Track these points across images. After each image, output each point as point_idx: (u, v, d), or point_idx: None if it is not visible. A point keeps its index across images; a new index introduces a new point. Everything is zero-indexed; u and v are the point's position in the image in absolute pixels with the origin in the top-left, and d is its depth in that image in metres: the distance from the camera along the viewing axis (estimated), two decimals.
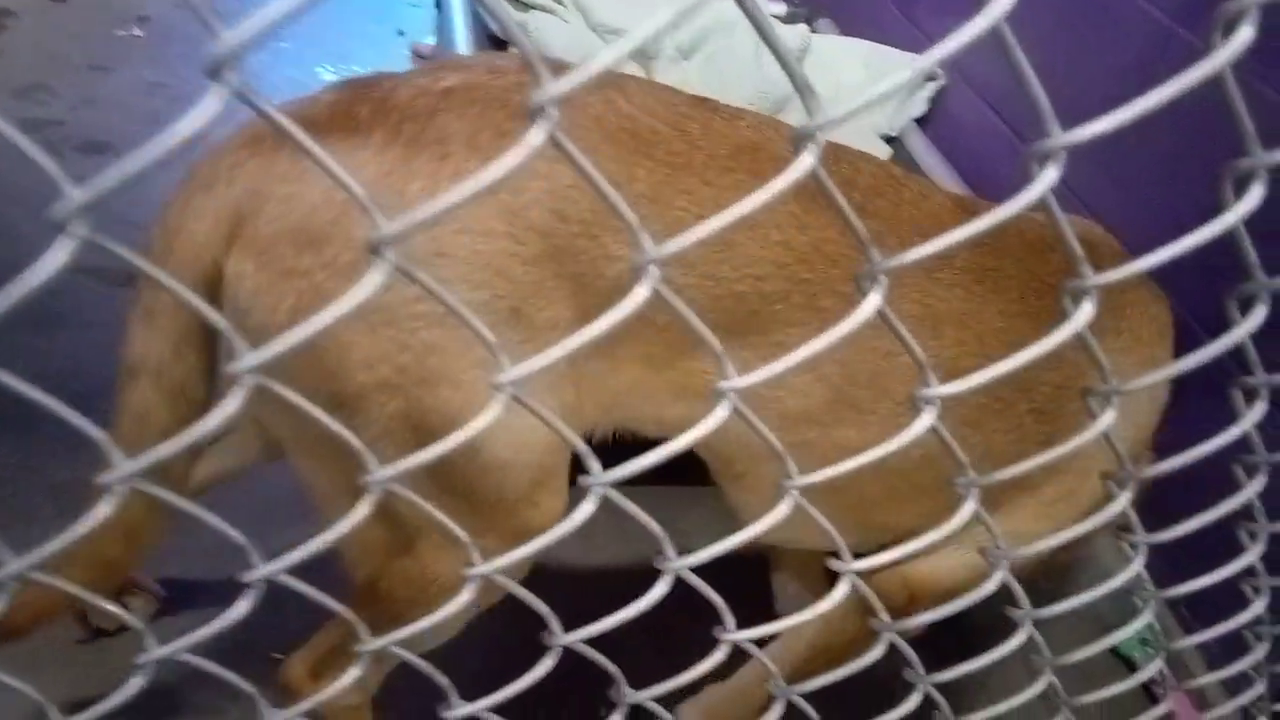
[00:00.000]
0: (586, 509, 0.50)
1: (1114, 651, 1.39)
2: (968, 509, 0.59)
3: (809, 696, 0.68)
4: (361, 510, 0.48)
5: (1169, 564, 1.02)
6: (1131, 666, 1.38)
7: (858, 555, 0.61)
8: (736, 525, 0.57)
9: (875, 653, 0.66)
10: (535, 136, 0.36)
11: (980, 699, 0.77)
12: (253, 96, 0.34)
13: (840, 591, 0.61)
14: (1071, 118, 0.41)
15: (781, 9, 2.41)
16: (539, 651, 0.60)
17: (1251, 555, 0.66)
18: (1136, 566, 0.64)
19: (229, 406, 0.39)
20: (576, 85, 0.35)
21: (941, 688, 0.70)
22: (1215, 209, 0.46)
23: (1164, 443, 1.09)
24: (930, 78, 2.04)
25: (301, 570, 0.50)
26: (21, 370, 0.34)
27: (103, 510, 0.39)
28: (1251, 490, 0.60)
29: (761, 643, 0.65)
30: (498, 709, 0.62)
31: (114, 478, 0.38)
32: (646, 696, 0.65)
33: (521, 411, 0.47)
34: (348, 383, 0.76)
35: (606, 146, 0.81)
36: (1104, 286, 0.47)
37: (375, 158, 0.75)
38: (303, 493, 0.89)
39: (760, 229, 0.85)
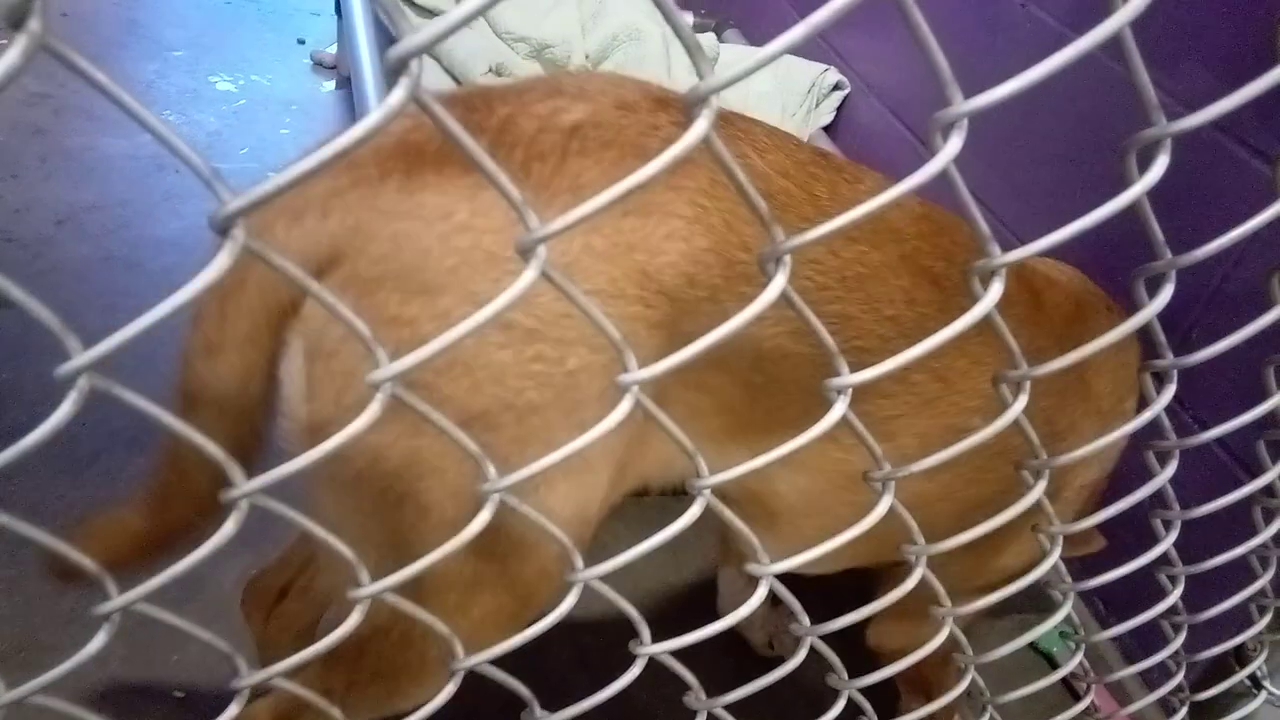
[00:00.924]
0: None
1: (1033, 648, 1.41)
2: (916, 574, 0.59)
3: (733, 707, 0.65)
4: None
5: (1083, 563, 1.03)
6: (1052, 662, 1.39)
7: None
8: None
9: (798, 658, 0.64)
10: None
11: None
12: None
13: (759, 594, 0.60)
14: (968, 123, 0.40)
15: (690, 19, 2.41)
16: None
17: (1166, 543, 0.65)
18: (1053, 559, 0.63)
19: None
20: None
21: (866, 691, 0.68)
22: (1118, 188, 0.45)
23: None
24: (837, 87, 2.07)
25: None
26: None
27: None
28: (1164, 477, 0.59)
29: None
30: None
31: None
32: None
33: (573, 483, 0.47)
34: (430, 441, 0.69)
35: (742, 209, 0.76)
36: (1012, 264, 0.46)
37: (499, 202, 0.68)
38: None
39: (875, 304, 0.82)
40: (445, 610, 0.77)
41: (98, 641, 0.47)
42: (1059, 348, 0.99)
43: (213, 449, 0.43)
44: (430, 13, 1.96)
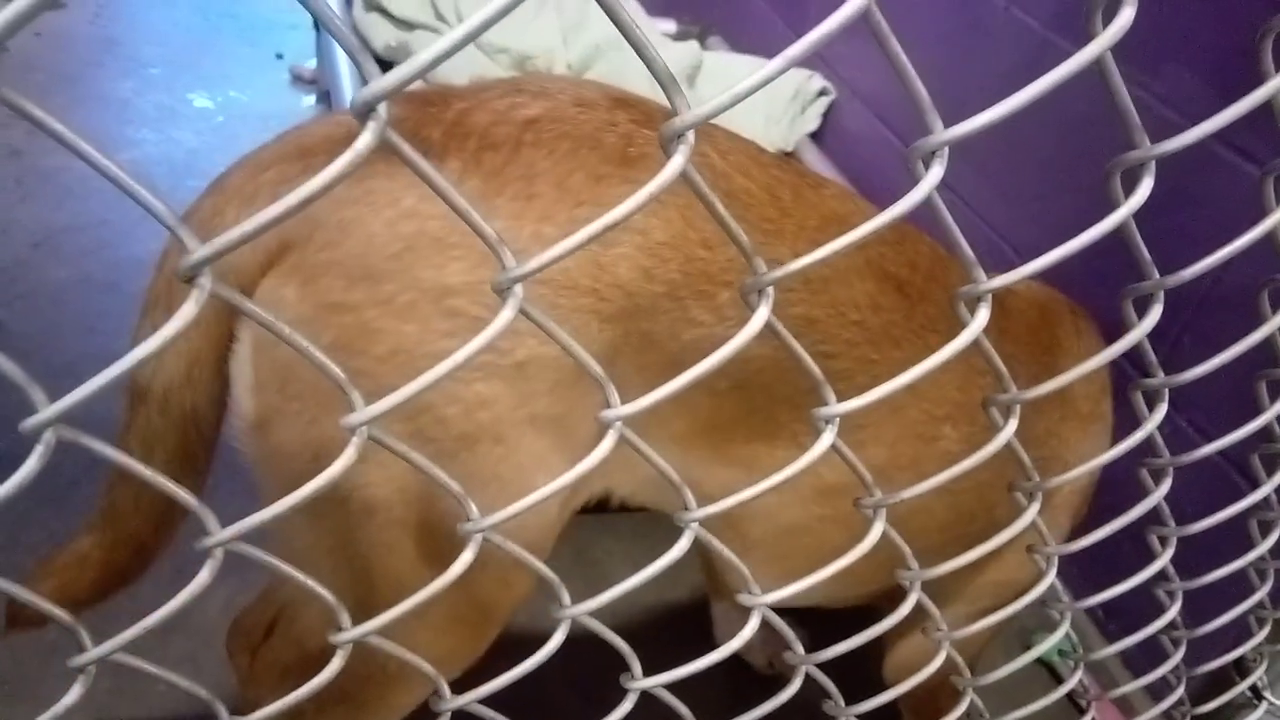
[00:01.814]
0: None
1: (1037, 660, 1.40)
2: (876, 529, 0.57)
3: None
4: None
5: (1084, 574, 1.02)
6: (1052, 671, 1.38)
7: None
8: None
9: (794, 686, 0.63)
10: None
11: None
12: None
13: (751, 625, 0.59)
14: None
15: (672, 27, 2.41)
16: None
17: (1163, 560, 0.64)
18: (1049, 579, 0.62)
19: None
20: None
21: (863, 717, 0.67)
22: (1104, 211, 0.45)
23: None
24: (822, 93, 2.06)
25: None
26: None
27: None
28: (1159, 494, 0.58)
29: None
30: None
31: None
32: None
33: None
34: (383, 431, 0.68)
35: (699, 205, 0.76)
36: (998, 290, 0.45)
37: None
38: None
39: (840, 308, 0.81)
40: (407, 615, 0.76)
41: (73, 694, 0.46)
42: (1028, 355, 0.99)
43: (181, 494, 0.42)
44: (406, 24, 1.94)
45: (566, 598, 0.56)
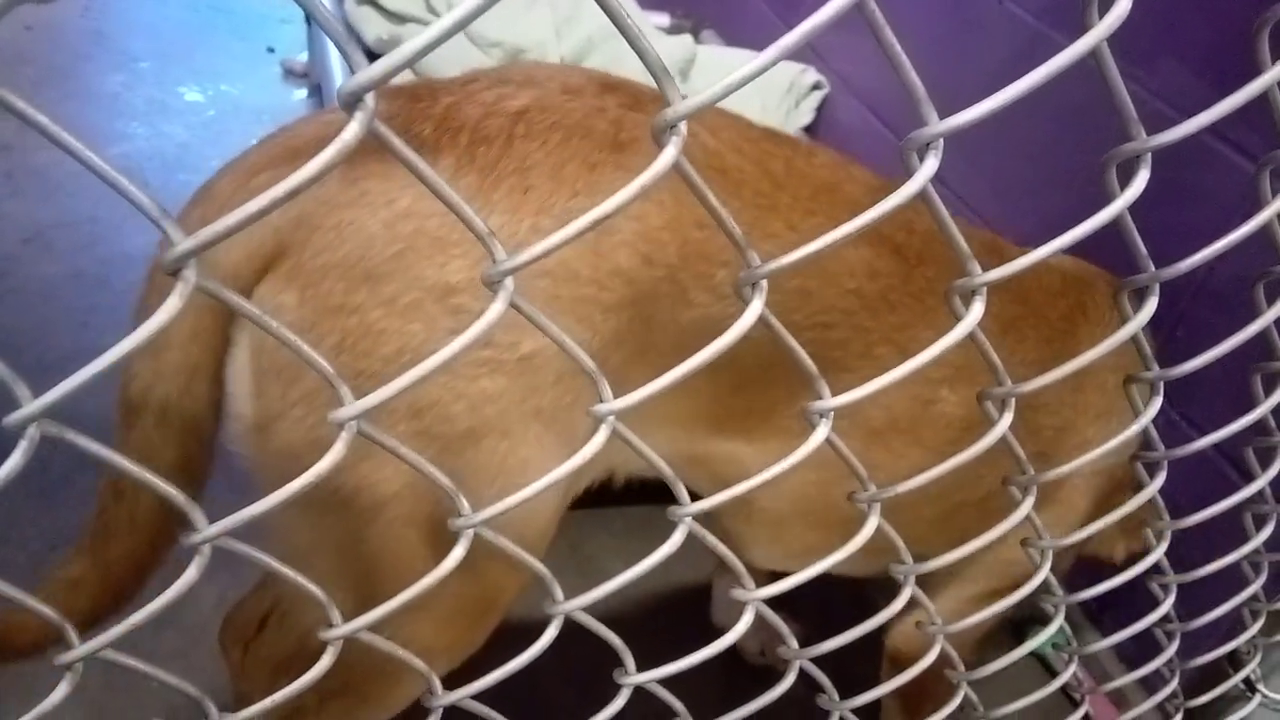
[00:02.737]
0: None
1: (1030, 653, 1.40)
2: (871, 523, 0.57)
3: None
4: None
5: (1079, 566, 1.02)
6: (1045, 664, 1.39)
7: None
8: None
9: (788, 681, 0.63)
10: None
11: None
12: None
13: (746, 620, 0.58)
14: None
15: (665, 20, 2.40)
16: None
17: (1157, 554, 0.64)
18: (1043, 572, 0.62)
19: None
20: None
21: (857, 711, 0.67)
22: (1097, 204, 0.44)
23: None
24: (816, 87, 2.05)
25: None
26: None
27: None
28: (1153, 488, 0.58)
29: None
30: None
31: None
32: None
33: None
34: (385, 430, 0.68)
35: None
36: (995, 283, 0.45)
37: (448, 185, 0.67)
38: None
39: (836, 277, 0.81)
40: (411, 607, 0.76)
41: (60, 691, 0.46)
42: (1041, 319, 0.97)
43: (167, 489, 0.42)
44: (399, 18, 1.93)
45: (560, 593, 0.56)
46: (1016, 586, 0.65)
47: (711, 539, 0.56)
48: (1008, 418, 0.51)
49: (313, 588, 0.50)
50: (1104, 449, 0.56)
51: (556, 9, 1.98)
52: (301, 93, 2.58)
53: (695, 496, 0.53)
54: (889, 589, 0.64)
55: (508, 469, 0.70)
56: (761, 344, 0.78)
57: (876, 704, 0.68)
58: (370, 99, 0.33)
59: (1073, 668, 0.72)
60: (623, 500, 1.21)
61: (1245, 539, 0.68)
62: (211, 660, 1.06)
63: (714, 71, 2.03)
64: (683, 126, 0.37)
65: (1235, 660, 0.74)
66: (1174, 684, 0.76)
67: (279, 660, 0.97)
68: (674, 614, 1.43)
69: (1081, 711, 0.75)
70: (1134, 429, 0.54)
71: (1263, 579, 0.71)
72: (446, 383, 0.68)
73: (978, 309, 0.45)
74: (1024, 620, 1.35)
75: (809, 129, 2.05)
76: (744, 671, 1.40)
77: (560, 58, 1.90)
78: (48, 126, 0.33)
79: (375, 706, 0.82)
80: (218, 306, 0.70)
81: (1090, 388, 0.96)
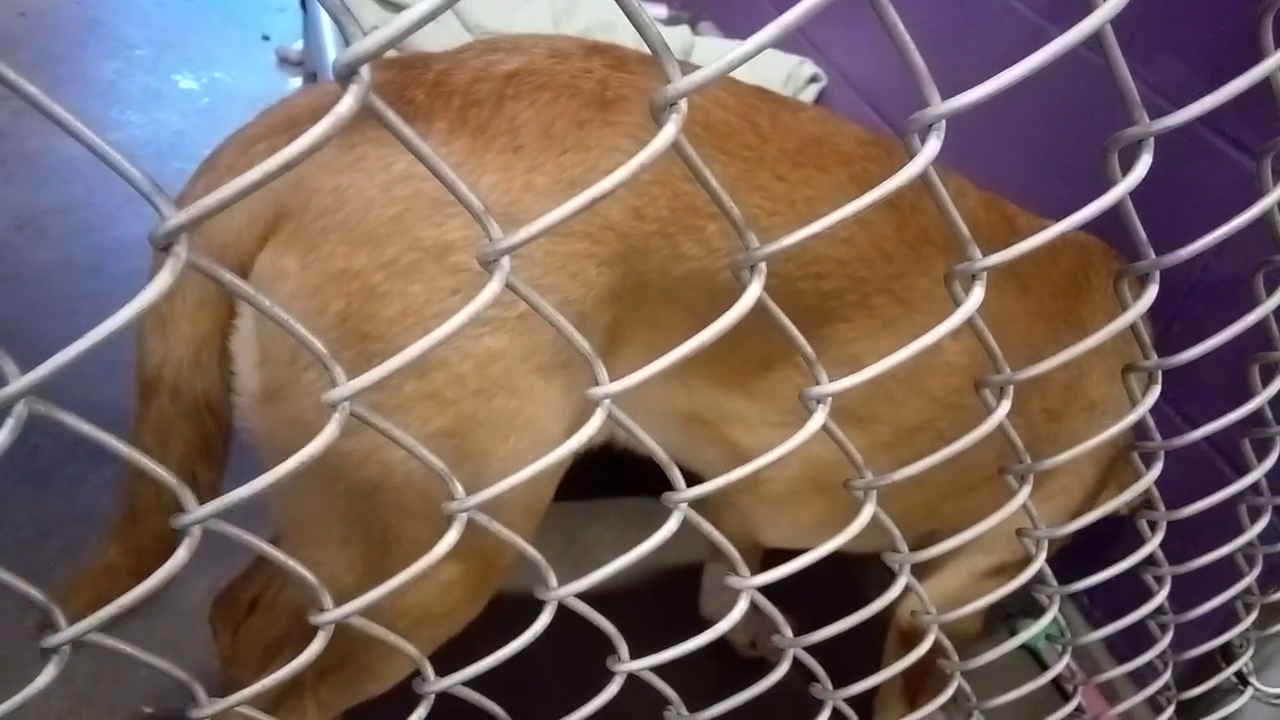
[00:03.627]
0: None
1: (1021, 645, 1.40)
2: (867, 511, 0.57)
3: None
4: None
5: (1072, 557, 1.02)
6: (1036, 657, 1.39)
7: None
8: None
9: (782, 669, 0.63)
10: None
11: None
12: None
13: (740, 607, 0.58)
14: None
15: (663, 11, 2.39)
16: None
17: (1153, 544, 0.64)
18: (1038, 563, 0.62)
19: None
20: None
21: (850, 701, 0.67)
22: (1097, 197, 0.44)
23: None
24: (813, 79, 2.05)
25: None
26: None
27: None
28: (1150, 478, 0.58)
29: None
30: None
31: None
32: None
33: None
34: (392, 394, 0.68)
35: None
36: (995, 267, 0.45)
37: (440, 148, 0.68)
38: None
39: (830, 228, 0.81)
40: (414, 579, 0.76)
41: (46, 675, 0.45)
42: (1044, 276, 0.96)
43: (158, 470, 0.41)
44: (395, 5, 1.92)
45: (553, 579, 0.55)
46: (1026, 562, 0.65)
47: (707, 526, 0.55)
48: (1005, 405, 0.51)
49: (304, 571, 0.49)
50: (1092, 443, 0.56)
51: (555, 0, 1.97)
52: (296, 81, 2.56)
53: (691, 481, 0.52)
54: (881, 581, 0.64)
55: (518, 427, 0.71)
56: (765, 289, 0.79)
57: (868, 695, 0.67)
58: (365, 71, 0.33)
59: (1065, 660, 0.72)
60: (618, 492, 1.20)
61: (1239, 532, 0.68)
62: (203, 648, 1.06)
63: (711, 62, 2.03)
64: (683, 104, 0.36)
65: (1228, 653, 0.74)
66: (1166, 676, 0.76)
67: (269, 643, 0.96)
68: (667, 603, 1.43)
69: (1073, 704, 0.75)
70: (1132, 417, 0.54)
71: (1256, 572, 0.71)
72: (454, 342, 0.68)
73: (978, 294, 0.45)
74: (1016, 613, 1.35)
75: None
76: (736, 663, 1.40)
77: None
78: (39, 98, 0.32)
79: (375, 678, 0.82)
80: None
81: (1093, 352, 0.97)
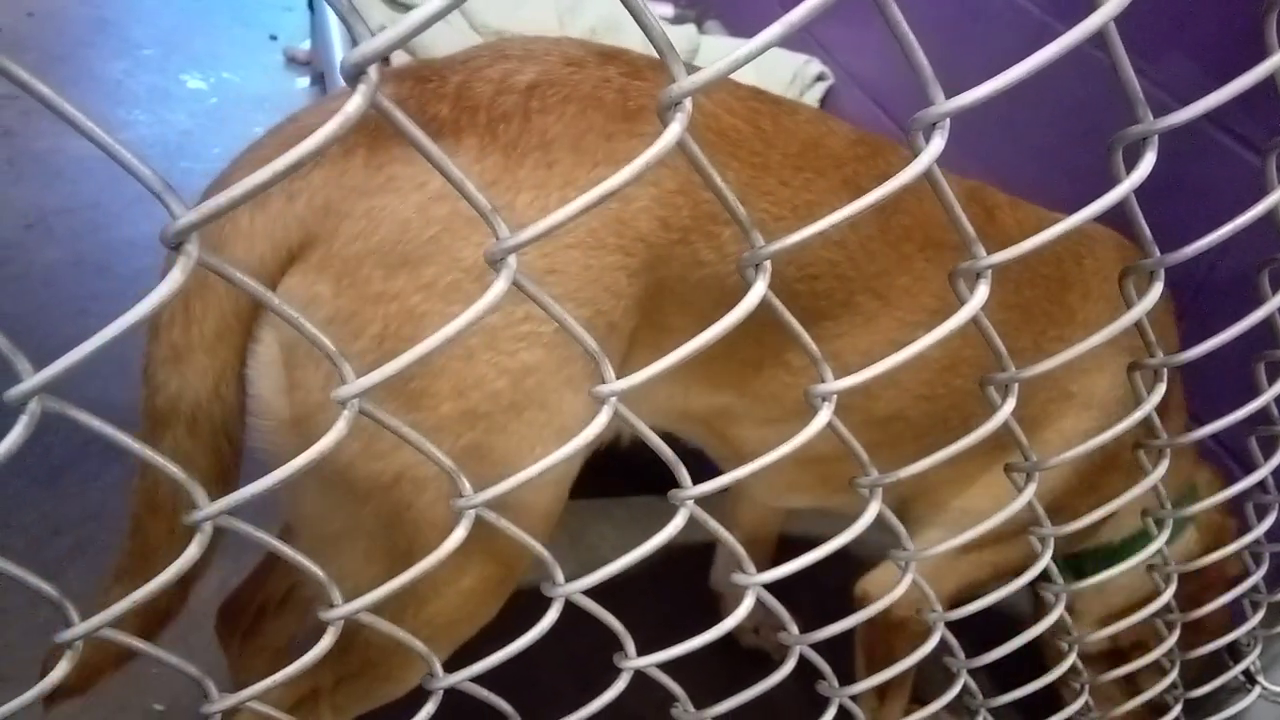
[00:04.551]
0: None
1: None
2: (873, 508, 0.57)
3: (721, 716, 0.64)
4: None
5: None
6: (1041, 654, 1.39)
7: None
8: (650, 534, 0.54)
9: (788, 667, 0.63)
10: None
11: None
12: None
13: (746, 605, 0.58)
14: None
15: (669, 10, 2.39)
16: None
17: (1159, 543, 0.64)
18: (1044, 560, 0.62)
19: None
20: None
21: (856, 699, 0.67)
22: (1103, 187, 0.44)
23: None
24: (820, 78, 2.05)
25: None
26: None
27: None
28: (1156, 475, 0.58)
29: None
30: None
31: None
32: None
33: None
34: (428, 415, 0.68)
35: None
36: (999, 265, 0.45)
37: (473, 166, 0.68)
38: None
39: (826, 231, 0.82)
40: (436, 584, 0.76)
41: (60, 671, 0.46)
42: (1017, 261, 0.96)
43: (168, 465, 0.41)
44: (403, 6, 1.92)
45: (560, 575, 0.55)
46: (997, 542, 0.65)
47: (713, 524, 0.56)
48: (1010, 403, 0.51)
49: (315, 569, 0.49)
50: (1095, 442, 0.56)
51: None
52: (304, 81, 2.57)
53: (696, 479, 0.53)
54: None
55: (545, 439, 0.71)
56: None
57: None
58: (374, 71, 0.33)
59: (1072, 657, 0.72)
60: (624, 491, 1.20)
61: (1247, 529, 0.68)
62: (213, 646, 1.06)
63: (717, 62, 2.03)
64: (687, 103, 0.36)
65: (1235, 652, 0.74)
66: (1173, 675, 0.76)
67: (277, 648, 0.97)
68: (672, 602, 1.43)
69: (1080, 701, 0.75)
70: (1138, 415, 0.54)
71: (1263, 570, 0.71)
72: (490, 359, 0.69)
73: (982, 292, 0.45)
74: (1023, 614, 1.35)
75: None
76: (742, 659, 1.40)
77: None
78: (50, 98, 0.32)
79: (394, 683, 0.82)
80: (242, 307, 0.70)
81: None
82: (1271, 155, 0.52)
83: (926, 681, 1.07)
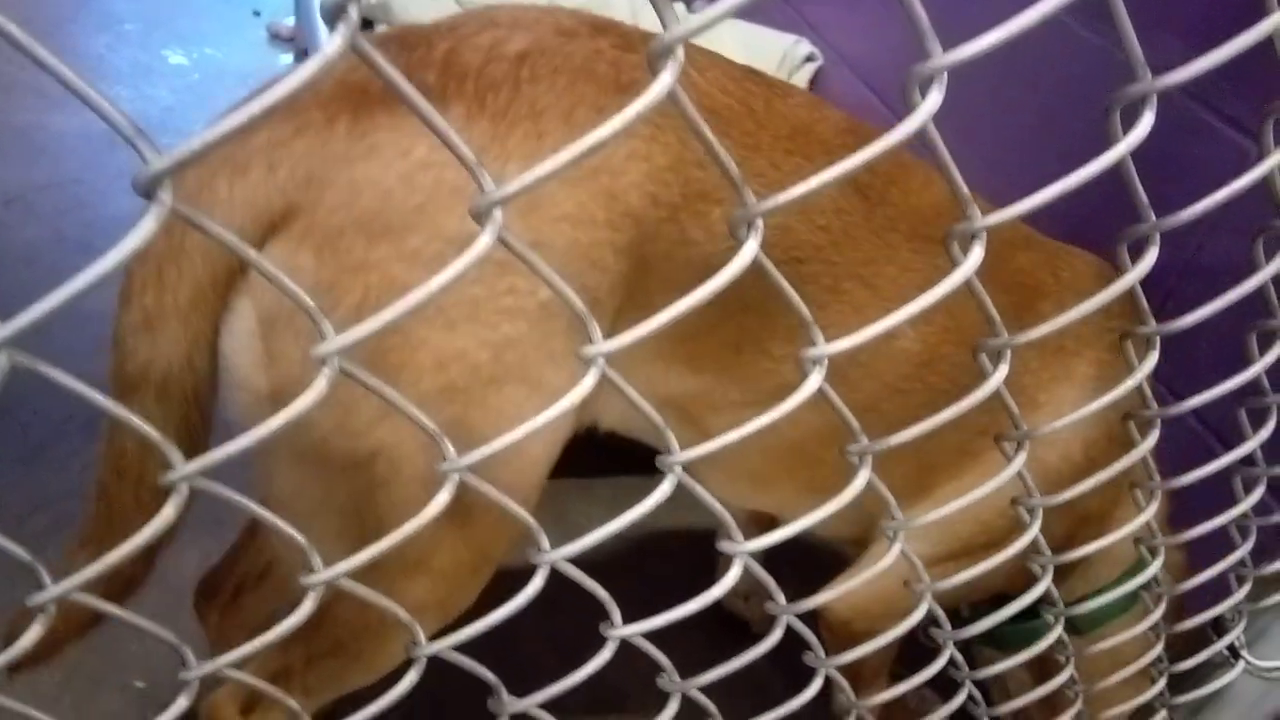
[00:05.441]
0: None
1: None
2: (861, 478, 0.56)
3: (706, 688, 0.63)
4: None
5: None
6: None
7: None
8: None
9: (774, 637, 0.62)
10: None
11: None
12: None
13: (734, 573, 0.58)
14: (952, 84, 0.38)
15: None
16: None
17: (1146, 515, 0.64)
18: (1032, 531, 0.61)
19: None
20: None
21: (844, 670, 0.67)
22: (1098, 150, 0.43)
23: None
24: (809, 59, 2.04)
25: None
26: None
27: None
28: (1145, 447, 0.58)
29: None
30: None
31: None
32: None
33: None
34: (407, 389, 0.67)
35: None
36: (991, 229, 0.44)
37: (460, 134, 0.66)
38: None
39: (809, 214, 0.83)
40: (406, 567, 0.75)
41: (31, 635, 0.45)
42: (991, 262, 0.96)
43: (143, 426, 0.40)
44: None
45: (545, 542, 0.55)
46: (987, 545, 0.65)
47: (701, 490, 0.55)
48: (1003, 370, 0.50)
49: (295, 533, 0.49)
50: (1090, 408, 0.56)
51: None
52: (288, 57, 2.54)
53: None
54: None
55: (525, 415, 0.70)
56: (741, 279, 0.79)
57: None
58: (354, 10, 0.32)
59: (1058, 630, 0.72)
60: (609, 470, 1.19)
61: (1234, 502, 0.68)
62: (193, 620, 1.05)
63: (708, 43, 2.01)
64: (679, 51, 0.36)
65: (1220, 626, 0.75)
66: (1158, 649, 0.76)
67: (256, 624, 0.96)
68: (659, 573, 1.43)
69: (1065, 675, 0.75)
70: (1130, 383, 0.53)
71: (1250, 544, 0.71)
72: (472, 331, 0.68)
73: (976, 254, 0.45)
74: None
75: None
76: (729, 631, 1.40)
77: None
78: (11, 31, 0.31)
79: (365, 666, 0.82)
80: (218, 274, 0.68)
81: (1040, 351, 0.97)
82: (1269, 120, 0.52)
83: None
